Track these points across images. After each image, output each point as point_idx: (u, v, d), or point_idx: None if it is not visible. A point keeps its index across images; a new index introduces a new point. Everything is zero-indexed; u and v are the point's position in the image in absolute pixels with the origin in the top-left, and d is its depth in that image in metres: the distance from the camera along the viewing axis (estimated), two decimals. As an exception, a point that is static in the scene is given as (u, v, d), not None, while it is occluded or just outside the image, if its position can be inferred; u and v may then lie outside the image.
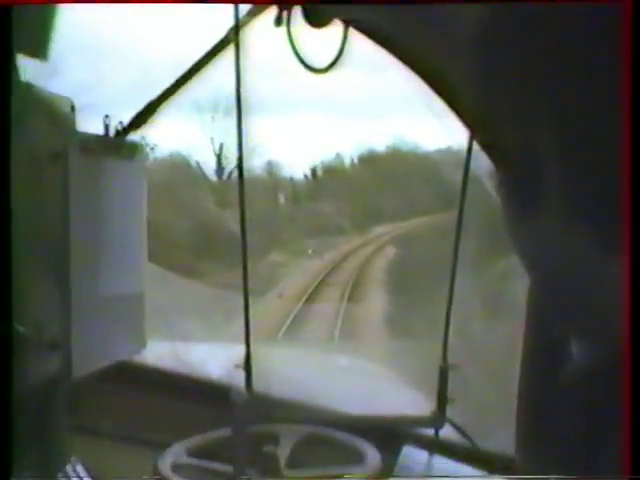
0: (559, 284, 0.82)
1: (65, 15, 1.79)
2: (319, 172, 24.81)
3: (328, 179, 24.70)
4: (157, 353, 3.00)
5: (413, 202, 21.97)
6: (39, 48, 1.76)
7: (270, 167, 23.05)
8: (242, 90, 2.33)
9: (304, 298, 14.11)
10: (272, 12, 1.85)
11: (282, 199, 22.83)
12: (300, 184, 24.27)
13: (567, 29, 0.74)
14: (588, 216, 0.74)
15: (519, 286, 2.39)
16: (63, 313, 1.87)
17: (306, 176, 24.69)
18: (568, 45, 0.74)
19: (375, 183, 23.63)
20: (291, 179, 24.08)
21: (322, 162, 24.95)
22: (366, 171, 25.00)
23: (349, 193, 23.36)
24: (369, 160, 25.50)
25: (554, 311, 0.91)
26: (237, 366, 2.54)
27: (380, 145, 26.19)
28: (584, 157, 0.75)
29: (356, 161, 26.10)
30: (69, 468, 1.95)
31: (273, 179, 23.21)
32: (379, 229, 22.41)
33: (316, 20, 1.75)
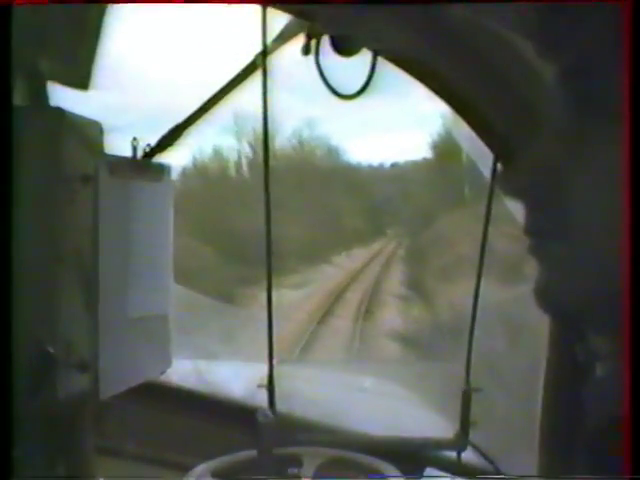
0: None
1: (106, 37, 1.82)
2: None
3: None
4: (180, 373, 3.02)
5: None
6: (80, 79, 1.79)
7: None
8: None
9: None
10: (300, 40, 1.88)
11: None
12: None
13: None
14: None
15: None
16: (91, 334, 1.89)
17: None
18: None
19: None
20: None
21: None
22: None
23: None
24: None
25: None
26: (260, 386, 2.55)
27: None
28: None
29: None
30: None
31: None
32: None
33: (344, 49, 1.78)
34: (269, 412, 2.44)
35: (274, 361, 2.48)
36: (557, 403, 2.30)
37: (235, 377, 3.69)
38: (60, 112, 1.76)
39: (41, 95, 1.74)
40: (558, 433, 2.31)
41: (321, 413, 3.06)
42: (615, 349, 0.90)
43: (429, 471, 2.77)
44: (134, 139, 2.22)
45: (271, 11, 2.07)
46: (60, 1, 1.67)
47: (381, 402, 3.93)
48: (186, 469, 2.47)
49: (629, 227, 0.73)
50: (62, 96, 1.84)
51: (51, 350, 1.66)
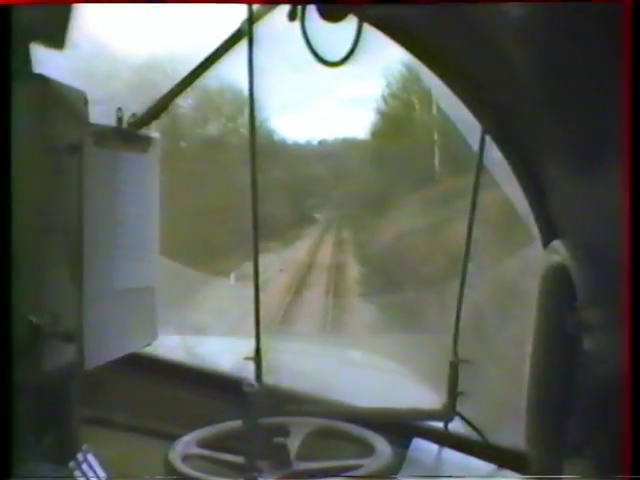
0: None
1: (79, 8, 1.80)
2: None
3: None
4: (168, 346, 3.02)
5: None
6: (55, 38, 1.77)
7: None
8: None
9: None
10: (286, 6, 1.86)
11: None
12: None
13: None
14: None
15: (531, 281, 2.40)
16: (77, 304, 1.88)
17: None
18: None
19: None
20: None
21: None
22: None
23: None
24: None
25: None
26: (247, 358, 2.55)
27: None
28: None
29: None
30: (80, 456, 1.97)
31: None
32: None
33: (330, 15, 1.76)
34: (254, 383, 2.44)
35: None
36: (544, 373, 2.31)
37: (223, 350, 3.69)
38: (44, 80, 1.74)
39: (25, 63, 1.71)
40: (545, 403, 2.32)
41: (309, 385, 3.06)
42: (604, 320, 0.90)
43: (416, 441, 2.78)
44: (119, 109, 2.20)
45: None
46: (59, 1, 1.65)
47: (369, 374, 3.94)
48: (173, 439, 2.47)
49: (629, 226, 0.73)
50: (48, 66, 1.81)
51: (36, 320, 1.65)
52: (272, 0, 2.04)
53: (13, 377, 1.30)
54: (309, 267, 16.10)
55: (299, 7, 1.79)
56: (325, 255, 17.44)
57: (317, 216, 20.75)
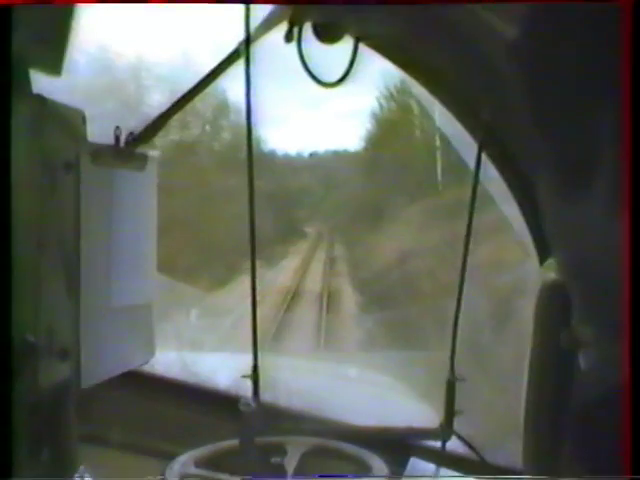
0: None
1: (77, 28, 1.81)
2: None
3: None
4: (165, 363, 3.01)
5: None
6: (53, 64, 1.78)
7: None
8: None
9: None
10: (283, 27, 1.87)
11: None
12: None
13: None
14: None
15: (527, 299, 2.40)
16: (73, 322, 1.88)
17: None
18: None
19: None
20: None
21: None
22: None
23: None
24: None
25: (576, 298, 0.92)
26: (244, 376, 2.54)
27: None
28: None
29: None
30: (77, 476, 1.96)
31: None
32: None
33: (326, 36, 1.77)
34: (251, 401, 2.43)
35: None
36: (541, 390, 2.30)
37: (220, 367, 3.68)
38: (41, 100, 1.74)
39: (23, 83, 1.72)
40: (542, 421, 2.32)
41: (305, 402, 3.06)
42: (602, 337, 0.90)
43: (413, 461, 2.77)
44: (117, 128, 2.21)
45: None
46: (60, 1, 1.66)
47: (366, 391, 3.92)
48: (170, 457, 2.46)
49: (629, 228, 0.73)
50: (45, 85, 1.82)
51: (31, 338, 1.65)
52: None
53: (11, 395, 1.29)
54: (299, 288, 15.97)
55: (295, 29, 1.80)
56: (316, 276, 17.23)
57: (307, 230, 20.54)
